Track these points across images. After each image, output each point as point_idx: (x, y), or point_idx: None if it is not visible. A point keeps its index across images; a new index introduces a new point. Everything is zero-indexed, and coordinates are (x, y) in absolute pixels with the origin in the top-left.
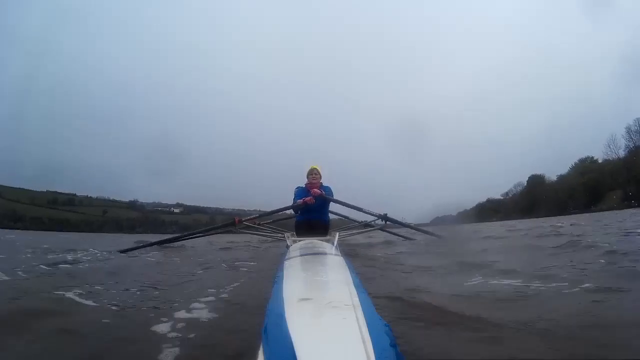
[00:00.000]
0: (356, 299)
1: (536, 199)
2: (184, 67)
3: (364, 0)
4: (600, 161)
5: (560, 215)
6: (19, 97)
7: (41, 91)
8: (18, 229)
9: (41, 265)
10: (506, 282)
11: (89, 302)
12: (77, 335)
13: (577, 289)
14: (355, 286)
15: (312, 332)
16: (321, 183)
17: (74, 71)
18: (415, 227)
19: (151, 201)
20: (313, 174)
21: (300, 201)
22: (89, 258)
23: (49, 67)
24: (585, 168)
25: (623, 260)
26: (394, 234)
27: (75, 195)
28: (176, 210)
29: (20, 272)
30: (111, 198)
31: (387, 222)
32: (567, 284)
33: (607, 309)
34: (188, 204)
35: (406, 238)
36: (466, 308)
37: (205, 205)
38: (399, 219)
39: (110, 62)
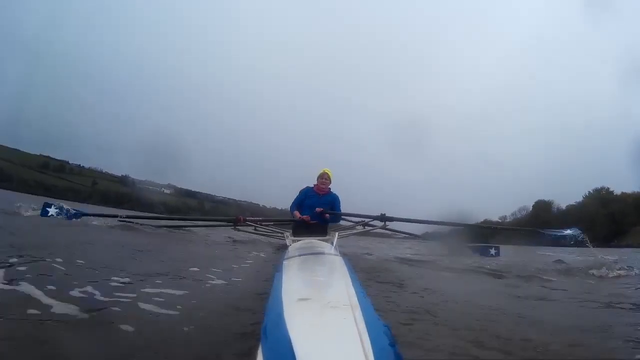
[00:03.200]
0: (355, 299)
1: (543, 225)
2: (191, 55)
3: (366, 3)
4: (616, 193)
5: (575, 247)
6: (26, 60)
7: (50, 55)
8: (3, 188)
9: None
10: None
11: None
12: None
13: None
14: (354, 286)
15: (311, 332)
16: (329, 189)
17: (84, 40)
18: (416, 221)
19: (143, 179)
20: (323, 178)
21: (297, 215)
22: None
23: (61, 33)
24: (604, 198)
25: None
26: (395, 231)
27: (67, 162)
28: (167, 191)
29: None
30: (104, 170)
31: (386, 222)
32: None
33: None
34: (179, 186)
35: (410, 234)
36: None
37: (196, 190)
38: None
39: (121, 36)
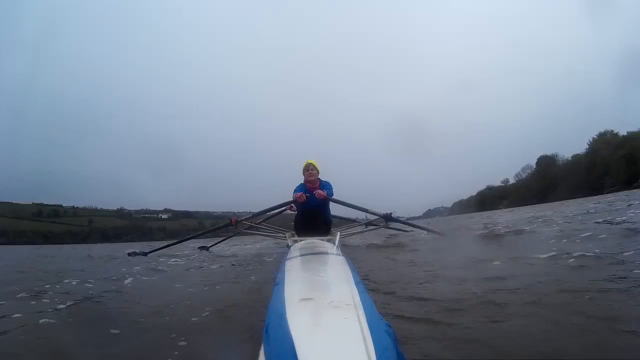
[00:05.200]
0: (357, 299)
1: (552, 180)
2: (175, 73)
3: (358, 3)
4: (622, 134)
5: (594, 195)
6: (7, 112)
7: (31, 106)
8: (1, 244)
9: None
10: None
11: None
12: None
13: None
14: (356, 286)
15: (313, 332)
16: (319, 179)
17: (63, 84)
18: (419, 227)
19: (139, 208)
20: (309, 169)
21: (296, 194)
22: None
23: (39, 80)
24: (612, 141)
25: None
26: (396, 229)
27: (61, 206)
28: (164, 216)
29: None
30: (98, 207)
31: (389, 222)
32: None
33: None
34: (176, 209)
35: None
36: None
37: (194, 210)
38: (399, 216)
39: (100, 71)
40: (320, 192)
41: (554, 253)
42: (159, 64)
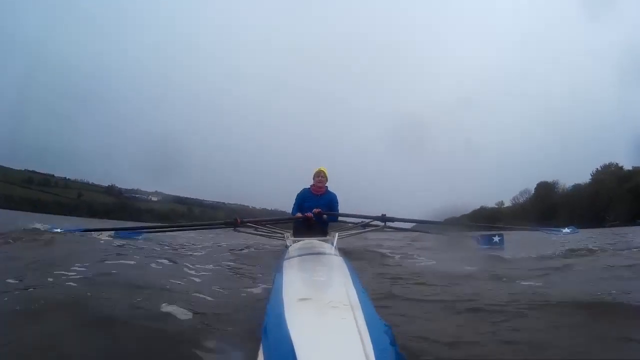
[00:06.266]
0: (355, 299)
1: (550, 207)
2: (182, 62)
3: (360, 6)
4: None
5: (596, 227)
6: (5, 76)
7: (33, 73)
8: None
9: None
10: None
11: None
12: None
13: None
14: (354, 286)
15: (311, 332)
16: (326, 187)
17: (68, 55)
18: (416, 221)
19: (130, 187)
20: (320, 177)
21: (299, 215)
22: None
23: (44, 49)
24: (616, 174)
25: None
26: (395, 229)
27: (52, 176)
28: (154, 199)
29: None
30: (90, 182)
31: (386, 223)
32: None
33: None
34: (167, 192)
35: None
36: None
37: (184, 196)
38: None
39: (102, 48)
40: (316, 211)
41: None
42: (159, 61)
